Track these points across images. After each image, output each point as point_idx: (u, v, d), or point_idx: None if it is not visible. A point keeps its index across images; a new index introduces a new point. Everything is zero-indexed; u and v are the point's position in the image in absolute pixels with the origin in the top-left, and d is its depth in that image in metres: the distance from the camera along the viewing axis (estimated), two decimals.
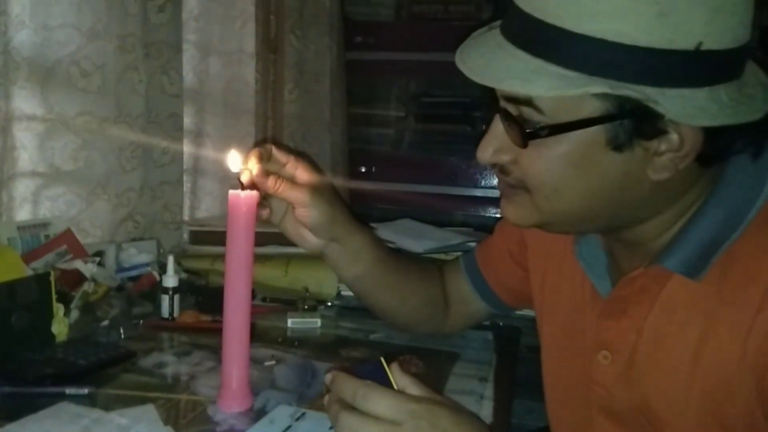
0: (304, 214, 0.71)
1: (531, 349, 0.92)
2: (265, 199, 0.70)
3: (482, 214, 1.95)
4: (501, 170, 0.57)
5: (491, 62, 0.53)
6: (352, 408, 0.49)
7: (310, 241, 0.75)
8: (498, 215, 1.88)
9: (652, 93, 0.47)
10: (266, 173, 0.67)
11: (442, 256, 1.06)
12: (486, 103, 0.59)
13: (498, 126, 0.55)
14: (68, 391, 0.66)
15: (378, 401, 0.47)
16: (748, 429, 0.51)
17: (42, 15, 0.97)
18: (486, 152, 0.56)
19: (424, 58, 1.97)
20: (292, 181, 0.70)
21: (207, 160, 1.41)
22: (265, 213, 0.70)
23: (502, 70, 0.51)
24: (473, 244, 1.04)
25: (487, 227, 1.17)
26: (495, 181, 1.96)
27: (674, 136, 0.49)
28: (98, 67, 1.03)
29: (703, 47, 0.46)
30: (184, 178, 1.29)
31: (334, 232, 0.74)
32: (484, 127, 0.60)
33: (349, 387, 0.49)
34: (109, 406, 0.65)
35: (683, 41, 0.46)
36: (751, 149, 0.53)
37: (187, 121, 1.29)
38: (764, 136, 0.52)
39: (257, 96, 1.51)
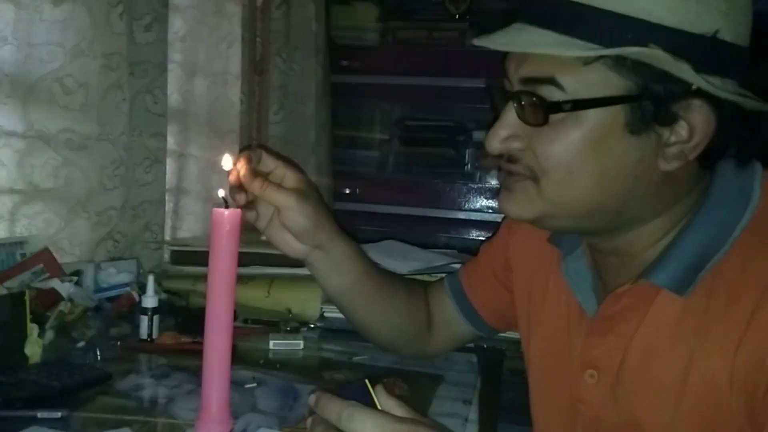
0: (289, 217, 0.70)
1: (515, 372, 0.92)
2: (251, 203, 0.70)
3: (465, 236, 1.96)
4: (509, 159, 0.57)
5: (517, 39, 0.54)
6: (336, 430, 0.48)
7: (294, 247, 0.74)
8: (482, 237, 1.90)
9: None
10: (254, 175, 0.67)
11: (426, 278, 1.06)
12: (493, 95, 0.59)
13: (509, 114, 0.55)
14: (40, 414, 0.64)
15: (363, 422, 0.46)
16: None
17: (25, 32, 0.96)
18: (496, 139, 0.56)
19: (409, 82, 2.00)
20: (279, 185, 0.70)
21: (190, 180, 1.40)
22: (251, 215, 0.69)
23: (530, 42, 0.53)
24: (457, 266, 1.04)
25: (470, 250, 1.17)
26: (478, 204, 1.97)
27: (686, 125, 0.51)
28: (81, 85, 1.03)
29: (720, 36, 0.50)
30: (167, 197, 1.28)
31: (318, 239, 0.73)
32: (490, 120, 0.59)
33: (334, 408, 0.48)
34: (83, 429, 0.63)
35: (704, 26, 0.49)
36: (741, 152, 0.55)
37: (171, 140, 1.28)
38: (754, 140, 0.55)
39: (242, 117, 1.52)
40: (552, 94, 0.52)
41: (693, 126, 0.51)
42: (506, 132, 0.56)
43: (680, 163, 0.53)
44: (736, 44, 0.51)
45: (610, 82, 0.51)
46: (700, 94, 0.51)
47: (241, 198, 0.67)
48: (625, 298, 0.59)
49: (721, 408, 0.51)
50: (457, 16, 2.00)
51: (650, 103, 0.51)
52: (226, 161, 0.66)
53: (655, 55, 0.49)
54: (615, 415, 0.59)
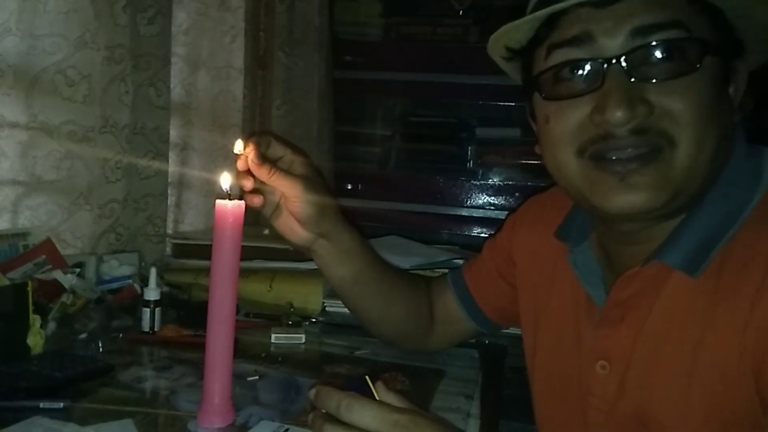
0: (295, 204, 0.71)
1: (516, 369, 0.92)
2: (258, 189, 0.70)
3: (467, 233, 1.96)
4: (637, 131, 0.50)
5: None
6: (336, 420, 0.48)
7: (299, 234, 0.74)
8: (484, 234, 1.89)
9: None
10: (262, 160, 0.67)
11: (428, 273, 1.06)
12: (576, 70, 0.53)
13: (614, 79, 0.50)
14: (42, 404, 0.64)
15: (362, 412, 0.47)
16: (751, 425, 0.50)
17: (29, 23, 0.96)
18: (623, 107, 0.49)
19: (412, 78, 1.99)
20: (287, 171, 0.70)
21: (192, 174, 1.40)
22: (257, 200, 0.69)
23: None
24: (460, 261, 1.04)
25: (472, 246, 1.17)
26: (480, 201, 1.97)
27: (737, 78, 0.53)
28: (84, 77, 1.02)
29: None
30: (169, 191, 1.28)
31: (323, 227, 0.74)
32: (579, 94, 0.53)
33: (333, 399, 0.48)
34: (85, 420, 0.63)
35: None
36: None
37: (173, 134, 1.28)
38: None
39: (245, 111, 1.51)
40: (683, 38, 0.49)
41: (738, 84, 0.54)
42: (629, 97, 0.49)
43: (737, 117, 0.55)
44: None
45: (711, 33, 0.52)
46: (744, 53, 0.54)
47: (248, 183, 0.67)
48: (636, 282, 0.58)
49: (732, 387, 0.51)
50: (461, 12, 1.99)
51: (729, 57, 0.53)
52: (238, 146, 0.67)
53: None
54: (626, 405, 0.59)
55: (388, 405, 0.49)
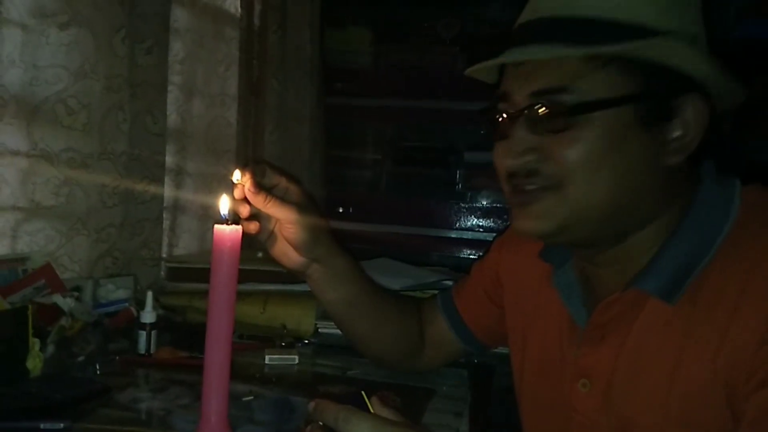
0: (290, 230, 0.74)
1: (504, 389, 0.94)
2: (254, 215, 0.73)
3: (457, 255, 1.99)
4: (527, 174, 0.59)
5: (525, 53, 0.58)
6: None
7: (294, 259, 0.77)
8: (473, 256, 1.93)
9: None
10: (258, 189, 0.71)
11: (419, 294, 1.08)
12: (489, 118, 0.62)
13: (518, 130, 0.59)
14: (43, 425, 0.66)
15: (359, 424, 0.49)
16: None
17: (32, 55, 0.99)
18: (510, 156, 0.59)
19: (401, 104, 2.05)
20: (281, 199, 0.73)
21: (187, 199, 1.42)
22: (253, 227, 0.73)
23: (543, 52, 0.57)
24: (449, 283, 1.07)
25: (462, 268, 1.19)
26: (469, 223, 2.00)
27: (683, 119, 0.57)
28: (84, 106, 1.05)
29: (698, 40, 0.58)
30: (164, 215, 1.30)
31: (317, 252, 0.77)
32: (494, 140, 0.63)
33: (331, 412, 0.50)
34: None
35: (688, 31, 0.57)
36: (722, 152, 0.61)
37: (169, 159, 1.31)
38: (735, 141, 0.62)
39: (238, 137, 1.55)
40: (567, 100, 0.56)
41: (688, 120, 0.57)
42: (520, 147, 0.59)
43: (683, 156, 0.58)
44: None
45: (618, 83, 0.56)
46: (696, 87, 0.57)
47: (245, 211, 0.71)
48: (615, 307, 0.62)
49: (706, 407, 0.54)
50: (448, 41, 2.05)
51: (654, 101, 0.56)
52: (236, 175, 0.70)
53: (670, 46, 0.54)
54: (608, 422, 0.61)
55: (384, 418, 0.51)
